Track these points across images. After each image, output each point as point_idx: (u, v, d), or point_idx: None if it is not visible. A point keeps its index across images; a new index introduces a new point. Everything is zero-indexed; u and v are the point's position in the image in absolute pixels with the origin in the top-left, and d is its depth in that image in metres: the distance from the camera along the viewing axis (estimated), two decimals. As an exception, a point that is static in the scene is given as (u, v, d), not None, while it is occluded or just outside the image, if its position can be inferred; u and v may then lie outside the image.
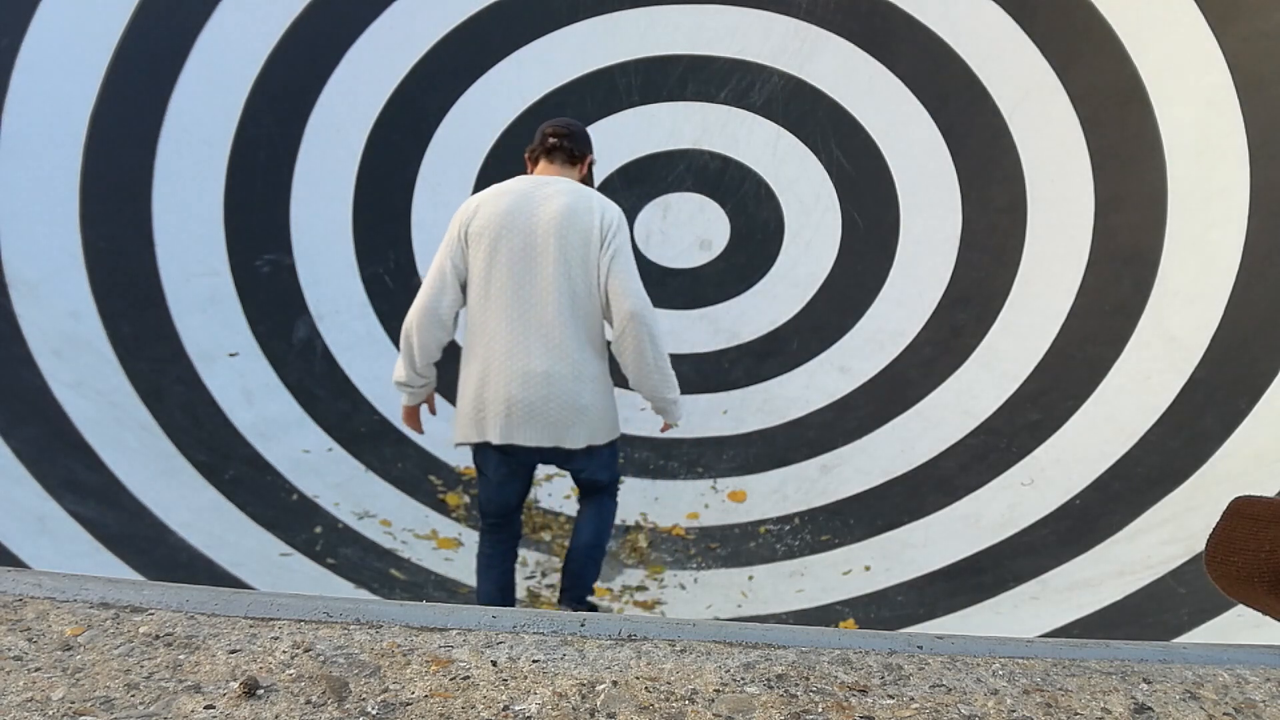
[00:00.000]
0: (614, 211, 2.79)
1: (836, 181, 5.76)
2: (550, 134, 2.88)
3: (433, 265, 2.76)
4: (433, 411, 3.02)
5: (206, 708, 1.26)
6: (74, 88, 4.76)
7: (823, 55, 5.84)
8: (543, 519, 4.35)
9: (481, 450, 2.83)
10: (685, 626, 1.58)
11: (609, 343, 2.87)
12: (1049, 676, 1.45)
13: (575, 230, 2.69)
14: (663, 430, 3.10)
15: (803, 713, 1.31)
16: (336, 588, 3.63)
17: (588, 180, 2.96)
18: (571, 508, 4.43)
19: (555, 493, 4.52)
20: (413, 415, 2.97)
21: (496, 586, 3.01)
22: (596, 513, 3.08)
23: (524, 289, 2.68)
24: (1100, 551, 3.72)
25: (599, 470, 2.97)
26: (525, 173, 2.93)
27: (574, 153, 2.89)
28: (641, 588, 3.95)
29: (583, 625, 1.56)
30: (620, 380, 2.90)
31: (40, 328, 4.15)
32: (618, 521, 4.35)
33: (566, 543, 4.19)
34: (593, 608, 3.19)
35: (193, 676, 1.34)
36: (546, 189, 2.76)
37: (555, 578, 3.99)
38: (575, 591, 3.08)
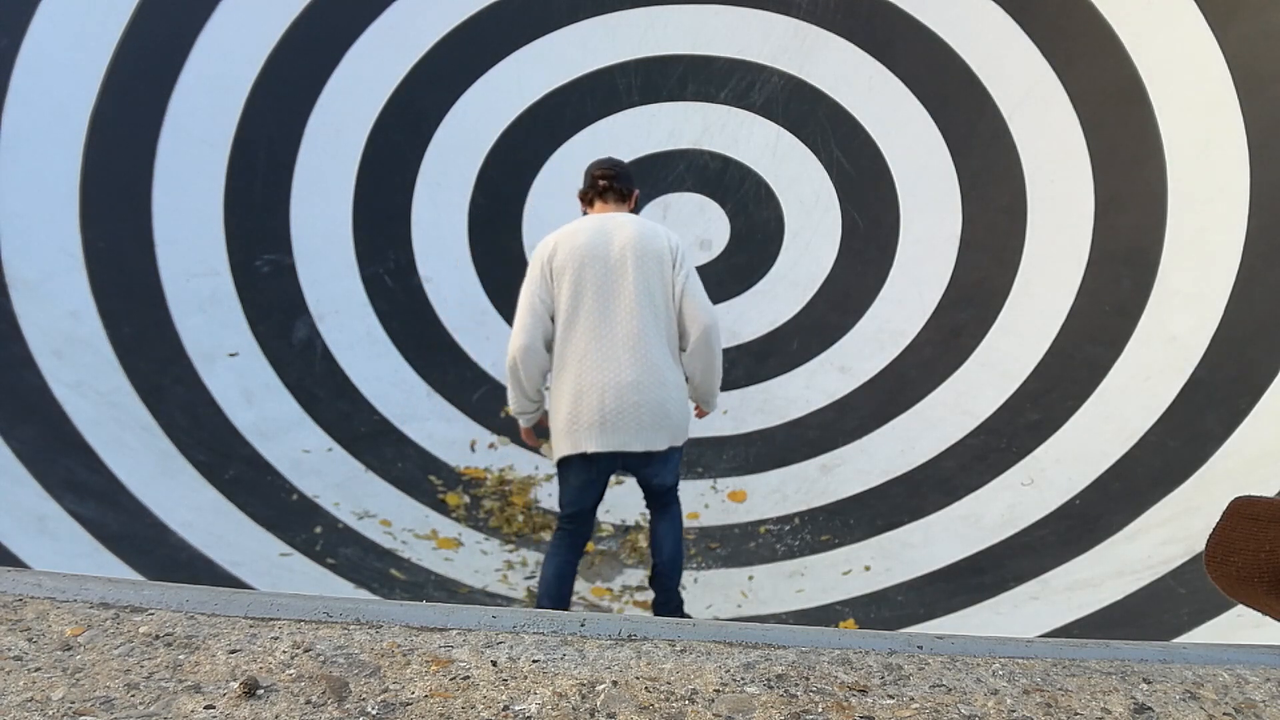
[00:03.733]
0: (676, 237, 3.15)
1: (836, 181, 5.76)
2: (600, 176, 3.20)
3: (521, 305, 3.03)
4: (545, 426, 3.22)
5: (206, 708, 1.26)
6: (74, 88, 4.76)
7: (823, 55, 5.83)
8: (543, 519, 4.35)
9: (568, 459, 3.05)
10: (685, 626, 1.58)
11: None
12: (1049, 676, 1.45)
13: (650, 254, 3.02)
14: (697, 415, 3.31)
15: (803, 713, 1.31)
16: (336, 588, 3.63)
17: (635, 211, 3.28)
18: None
19: (556, 493, 4.52)
20: (531, 434, 3.28)
21: (555, 573, 3.22)
22: (671, 526, 3.29)
23: (609, 310, 2.97)
24: (1100, 551, 3.71)
25: (669, 474, 3.17)
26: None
27: (623, 191, 3.22)
28: (641, 588, 3.95)
29: (583, 625, 1.56)
30: None
31: (40, 328, 4.15)
32: (617, 521, 4.36)
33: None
34: (683, 611, 3.42)
35: (193, 676, 1.34)
36: (614, 222, 3.08)
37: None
38: (671, 605, 3.32)
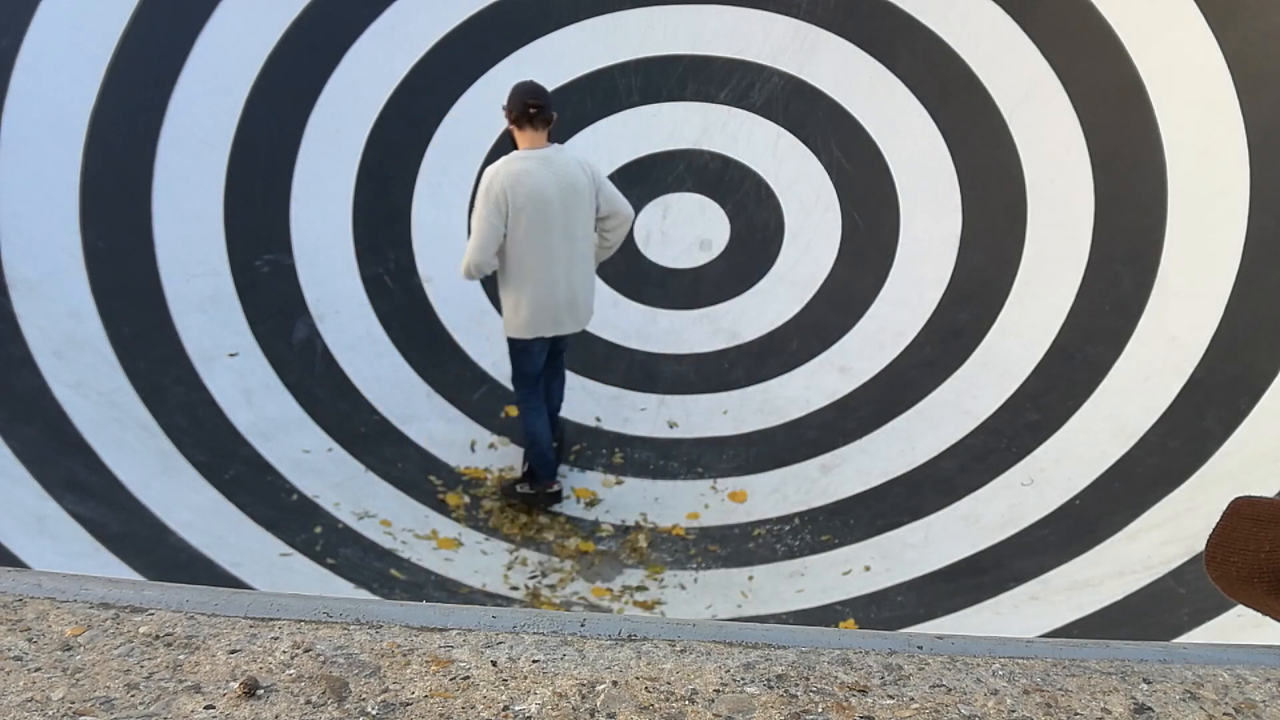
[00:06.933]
0: (591, 163, 3.99)
1: (836, 182, 5.75)
2: (532, 105, 3.77)
3: (479, 226, 3.80)
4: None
5: (206, 708, 1.26)
6: (74, 88, 4.76)
7: (823, 55, 5.83)
8: (544, 519, 4.35)
9: (531, 341, 4.09)
10: (685, 626, 1.58)
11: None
12: (1049, 676, 1.45)
13: (579, 190, 3.89)
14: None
15: (803, 713, 1.31)
16: (336, 588, 3.63)
17: (552, 133, 3.94)
18: (571, 508, 4.44)
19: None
20: None
21: (544, 426, 4.29)
22: (562, 379, 4.53)
23: (556, 236, 3.88)
24: (1100, 551, 3.72)
25: (568, 341, 4.38)
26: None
27: (548, 119, 3.85)
28: (641, 588, 3.95)
29: (583, 625, 1.56)
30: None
31: (40, 328, 4.16)
32: (617, 521, 4.37)
33: (568, 543, 4.21)
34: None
35: (193, 676, 1.34)
36: (549, 164, 3.82)
37: (556, 578, 3.99)
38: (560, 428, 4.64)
